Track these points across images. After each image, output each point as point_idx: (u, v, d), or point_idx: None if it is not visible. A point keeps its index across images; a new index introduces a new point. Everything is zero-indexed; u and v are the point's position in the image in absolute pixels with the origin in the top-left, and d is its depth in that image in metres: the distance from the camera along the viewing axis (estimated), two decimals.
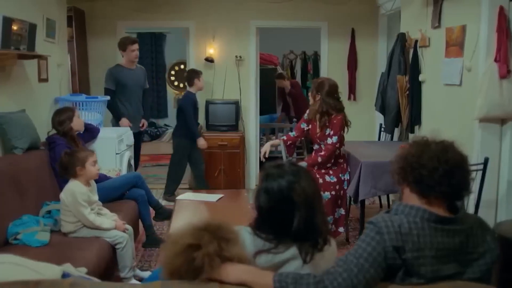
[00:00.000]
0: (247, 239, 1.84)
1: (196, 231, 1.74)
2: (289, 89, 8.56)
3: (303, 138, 5.10)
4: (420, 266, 1.67)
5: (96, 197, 3.70)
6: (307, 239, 1.83)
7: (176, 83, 11.13)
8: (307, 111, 4.69)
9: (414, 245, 1.67)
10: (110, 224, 3.59)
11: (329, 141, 4.43)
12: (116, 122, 5.82)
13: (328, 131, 4.44)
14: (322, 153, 4.44)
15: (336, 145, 4.43)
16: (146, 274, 3.83)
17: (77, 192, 3.50)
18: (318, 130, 4.51)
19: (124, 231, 3.65)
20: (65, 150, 3.76)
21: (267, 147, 4.66)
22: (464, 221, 1.77)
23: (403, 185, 1.85)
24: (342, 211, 4.61)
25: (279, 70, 10.06)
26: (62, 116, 4.38)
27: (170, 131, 10.32)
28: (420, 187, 1.78)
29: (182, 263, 1.67)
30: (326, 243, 1.89)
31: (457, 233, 1.73)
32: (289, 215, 1.81)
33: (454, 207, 1.81)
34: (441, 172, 1.74)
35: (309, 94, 4.67)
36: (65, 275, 2.32)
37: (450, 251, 1.71)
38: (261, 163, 5.52)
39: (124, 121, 5.73)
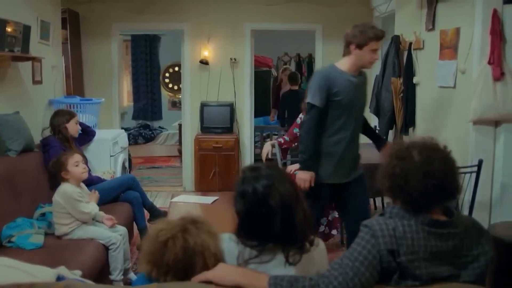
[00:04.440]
0: (232, 247, 1.83)
1: (168, 220, 1.85)
2: (287, 87, 8.48)
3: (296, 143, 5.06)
4: (415, 269, 1.67)
5: (86, 199, 3.70)
6: (290, 242, 1.81)
7: (170, 85, 11.12)
8: (301, 116, 4.67)
9: (408, 248, 1.67)
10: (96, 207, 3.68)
11: None
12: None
13: None
14: None
15: None
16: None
17: (69, 190, 3.51)
18: None
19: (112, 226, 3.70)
20: (52, 160, 3.75)
21: (268, 148, 4.64)
22: (459, 224, 1.77)
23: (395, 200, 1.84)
24: (336, 214, 4.61)
25: (274, 73, 10.10)
26: (64, 115, 4.46)
27: (164, 133, 10.32)
28: (411, 206, 1.76)
29: (151, 245, 1.73)
30: (312, 244, 1.88)
31: (451, 237, 1.73)
32: (267, 219, 1.78)
33: (448, 210, 1.82)
34: (430, 189, 1.72)
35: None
36: (59, 278, 2.31)
37: (444, 254, 1.71)
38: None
39: (302, 177, 3.38)
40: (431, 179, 1.72)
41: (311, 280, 1.67)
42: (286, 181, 1.87)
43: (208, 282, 1.67)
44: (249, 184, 1.83)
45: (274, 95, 9.20)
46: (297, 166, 4.55)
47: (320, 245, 1.94)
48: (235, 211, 1.86)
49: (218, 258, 1.75)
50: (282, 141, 4.70)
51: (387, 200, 5.70)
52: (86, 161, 3.86)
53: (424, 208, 1.75)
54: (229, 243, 1.84)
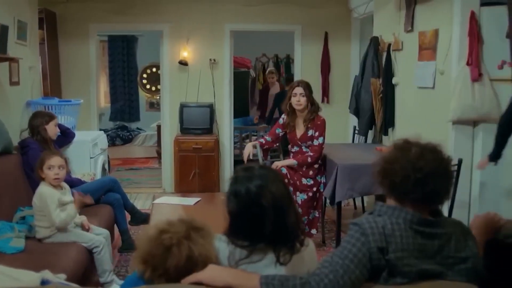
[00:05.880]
0: (222, 247, 1.83)
1: (169, 221, 1.79)
2: (277, 88, 8.47)
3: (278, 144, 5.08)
4: (403, 266, 1.69)
5: (68, 198, 3.62)
6: (281, 242, 1.82)
7: (148, 86, 11.04)
8: (283, 116, 4.70)
9: (397, 246, 1.70)
10: (75, 212, 3.53)
11: (316, 142, 4.49)
12: None
13: (311, 132, 4.48)
14: (311, 154, 4.48)
15: (323, 146, 4.48)
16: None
17: (46, 193, 3.45)
18: (302, 132, 4.53)
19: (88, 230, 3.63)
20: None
21: (250, 149, 4.66)
22: (445, 225, 1.80)
23: (381, 187, 1.88)
24: (316, 214, 4.64)
25: (252, 74, 10.11)
26: (43, 116, 4.38)
27: (142, 134, 10.24)
28: (394, 193, 1.81)
29: (152, 247, 1.70)
30: (303, 244, 1.89)
31: (437, 237, 1.76)
32: (260, 219, 1.79)
33: (436, 211, 1.85)
34: (412, 181, 1.76)
35: (303, 97, 4.48)
36: (44, 282, 2.29)
37: (431, 253, 1.74)
38: (238, 164, 5.47)
39: None
40: (416, 173, 1.75)
41: (301, 278, 1.68)
42: (279, 182, 1.88)
43: (199, 284, 1.67)
44: (242, 184, 1.84)
45: (260, 96, 9.11)
46: (283, 162, 4.59)
47: (310, 245, 1.96)
48: (227, 211, 1.86)
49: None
50: (264, 142, 4.72)
51: (367, 199, 5.76)
52: (66, 162, 3.74)
53: (404, 199, 1.78)
54: (219, 243, 1.84)
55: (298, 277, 1.68)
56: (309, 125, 4.49)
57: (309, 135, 4.49)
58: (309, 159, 4.48)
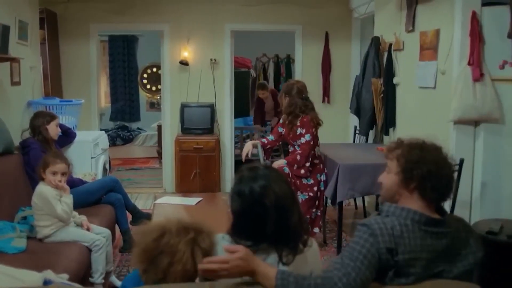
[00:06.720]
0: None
1: (170, 219, 1.81)
2: (271, 101, 8.33)
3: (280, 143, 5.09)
4: (410, 267, 1.70)
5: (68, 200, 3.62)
6: (284, 242, 1.82)
7: (148, 86, 11.04)
8: (283, 115, 4.73)
9: (406, 248, 1.70)
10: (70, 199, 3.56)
11: (303, 140, 4.46)
12: None
13: (299, 130, 4.48)
14: (300, 152, 4.48)
15: (310, 143, 4.45)
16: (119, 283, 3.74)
17: (44, 191, 3.45)
18: (290, 131, 4.55)
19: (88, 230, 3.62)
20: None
21: (249, 147, 4.66)
22: (451, 224, 1.81)
23: (408, 188, 1.84)
24: (318, 213, 4.64)
25: (253, 74, 10.09)
26: (45, 116, 4.38)
27: (143, 134, 10.24)
28: (434, 195, 1.81)
29: (151, 241, 1.72)
30: (306, 244, 1.89)
31: (444, 236, 1.77)
32: (262, 219, 1.80)
33: (441, 209, 1.86)
34: (452, 181, 1.83)
35: (278, 98, 4.75)
36: (46, 282, 2.29)
37: (438, 253, 1.75)
38: (239, 164, 5.46)
39: None
40: (452, 173, 1.83)
41: (316, 279, 1.66)
42: (282, 182, 1.89)
43: (212, 272, 1.65)
44: (246, 184, 1.84)
45: (255, 110, 8.81)
46: (282, 162, 4.58)
47: (313, 245, 1.96)
48: (231, 211, 1.87)
49: (188, 269, 1.72)
50: (266, 142, 4.72)
51: (367, 199, 5.76)
52: (69, 167, 3.73)
53: (440, 199, 1.84)
54: (222, 243, 1.84)
55: (313, 278, 1.67)
56: (297, 124, 4.49)
57: (297, 133, 4.49)
58: (298, 157, 4.46)
